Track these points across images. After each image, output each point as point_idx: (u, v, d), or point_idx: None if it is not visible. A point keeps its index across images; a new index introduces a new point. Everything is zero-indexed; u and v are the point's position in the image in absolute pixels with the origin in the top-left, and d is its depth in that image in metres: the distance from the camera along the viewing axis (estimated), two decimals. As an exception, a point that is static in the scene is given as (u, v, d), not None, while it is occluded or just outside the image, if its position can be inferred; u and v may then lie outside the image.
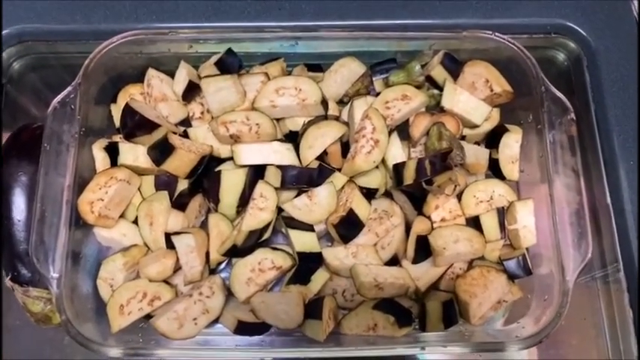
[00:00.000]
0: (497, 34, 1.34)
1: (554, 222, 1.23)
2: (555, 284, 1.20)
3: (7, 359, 1.32)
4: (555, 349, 1.36)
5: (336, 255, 1.29)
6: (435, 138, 1.29)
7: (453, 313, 1.24)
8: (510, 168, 1.36)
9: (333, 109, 1.38)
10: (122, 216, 1.32)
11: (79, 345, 1.15)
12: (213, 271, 1.32)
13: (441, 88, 1.38)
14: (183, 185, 1.31)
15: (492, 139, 1.39)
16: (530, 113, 1.35)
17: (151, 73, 1.38)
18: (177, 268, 1.27)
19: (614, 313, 1.35)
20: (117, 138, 1.37)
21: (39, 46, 1.50)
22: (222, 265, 1.35)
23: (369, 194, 1.33)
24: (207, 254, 1.27)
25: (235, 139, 1.31)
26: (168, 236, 1.26)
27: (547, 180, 1.26)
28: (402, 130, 1.37)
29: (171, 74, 1.40)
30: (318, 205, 1.28)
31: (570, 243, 1.21)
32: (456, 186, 1.29)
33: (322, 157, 1.32)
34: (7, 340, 1.33)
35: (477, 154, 1.35)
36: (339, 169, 1.32)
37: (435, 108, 1.40)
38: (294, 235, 1.27)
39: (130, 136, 1.30)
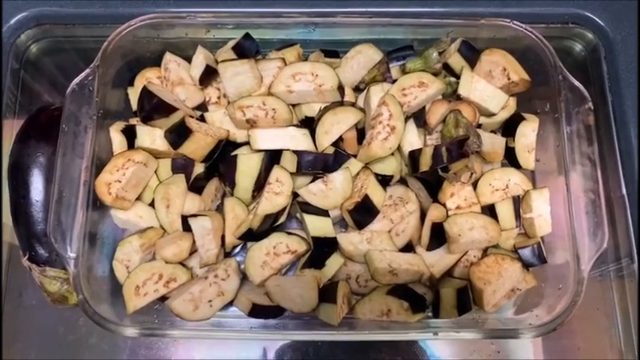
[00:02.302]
0: (515, 22, 1.33)
1: (569, 211, 1.23)
2: (570, 273, 1.20)
3: (23, 338, 1.33)
4: (568, 339, 1.36)
5: (351, 240, 1.29)
6: (452, 125, 1.29)
7: (467, 300, 1.24)
8: (526, 157, 1.36)
9: (349, 96, 1.38)
10: (138, 198, 1.33)
11: (96, 324, 1.17)
12: (228, 255, 1.33)
13: (457, 76, 1.38)
14: (199, 169, 1.32)
15: (509, 128, 1.39)
16: (547, 102, 1.35)
17: (168, 57, 1.39)
18: (192, 251, 1.28)
19: (627, 304, 1.35)
20: (134, 121, 1.38)
21: (56, 30, 1.51)
22: (237, 249, 1.36)
23: (384, 181, 1.33)
24: (223, 237, 1.28)
25: (252, 123, 1.31)
26: (184, 219, 1.27)
27: (563, 169, 1.26)
28: (418, 117, 1.37)
29: (188, 59, 1.40)
30: (333, 190, 1.28)
31: (586, 232, 1.21)
32: (472, 174, 1.28)
33: (338, 143, 1.33)
34: (23, 319, 1.35)
35: (493, 143, 1.34)
36: (355, 156, 1.32)
37: (452, 96, 1.40)
38: (309, 220, 1.28)
39: (147, 119, 1.31)
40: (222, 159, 1.32)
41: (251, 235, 1.27)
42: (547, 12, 1.49)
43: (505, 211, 1.31)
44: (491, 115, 1.37)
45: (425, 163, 1.25)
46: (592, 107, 1.27)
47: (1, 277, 1.33)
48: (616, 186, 1.38)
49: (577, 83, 1.29)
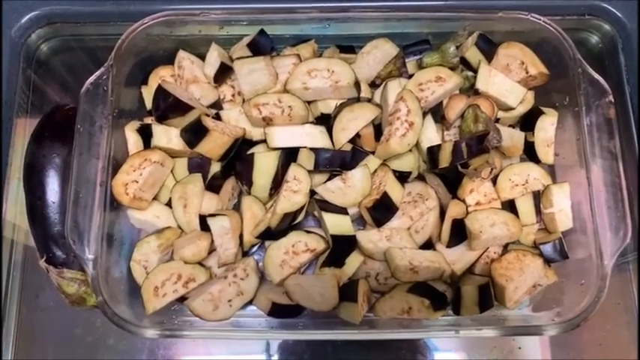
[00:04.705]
0: (533, 14, 1.31)
1: (591, 206, 1.21)
2: (593, 269, 1.19)
3: (41, 340, 1.33)
4: (589, 335, 1.35)
5: (370, 238, 1.28)
6: (471, 120, 1.27)
7: (489, 296, 1.23)
8: (545, 151, 1.34)
9: (365, 92, 1.36)
10: (155, 198, 1.31)
11: (115, 326, 1.16)
12: (246, 254, 1.32)
13: (475, 70, 1.36)
14: (216, 168, 1.30)
15: (527, 122, 1.37)
16: (565, 96, 1.33)
17: (182, 54, 1.37)
18: (211, 250, 1.27)
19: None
20: (148, 120, 1.37)
21: (67, 29, 1.49)
22: (255, 248, 1.35)
23: (402, 178, 1.32)
24: (241, 237, 1.27)
25: (268, 121, 1.30)
26: (202, 218, 1.26)
27: (584, 163, 1.24)
28: (435, 112, 1.35)
29: (201, 56, 1.39)
30: (352, 188, 1.27)
31: (608, 227, 1.19)
32: (492, 169, 1.27)
33: (354, 140, 1.31)
34: (40, 321, 1.35)
35: (512, 137, 1.33)
36: (372, 152, 1.31)
37: (469, 90, 1.38)
38: (328, 218, 1.26)
39: (162, 118, 1.29)
40: (238, 157, 1.31)
41: (269, 234, 1.26)
42: (563, 4, 1.47)
43: (525, 206, 1.30)
44: (509, 109, 1.36)
45: (444, 159, 1.24)
46: (612, 100, 1.25)
47: (1, 275, 1.32)
48: (634, 178, 1.36)
49: (597, 76, 1.27)
